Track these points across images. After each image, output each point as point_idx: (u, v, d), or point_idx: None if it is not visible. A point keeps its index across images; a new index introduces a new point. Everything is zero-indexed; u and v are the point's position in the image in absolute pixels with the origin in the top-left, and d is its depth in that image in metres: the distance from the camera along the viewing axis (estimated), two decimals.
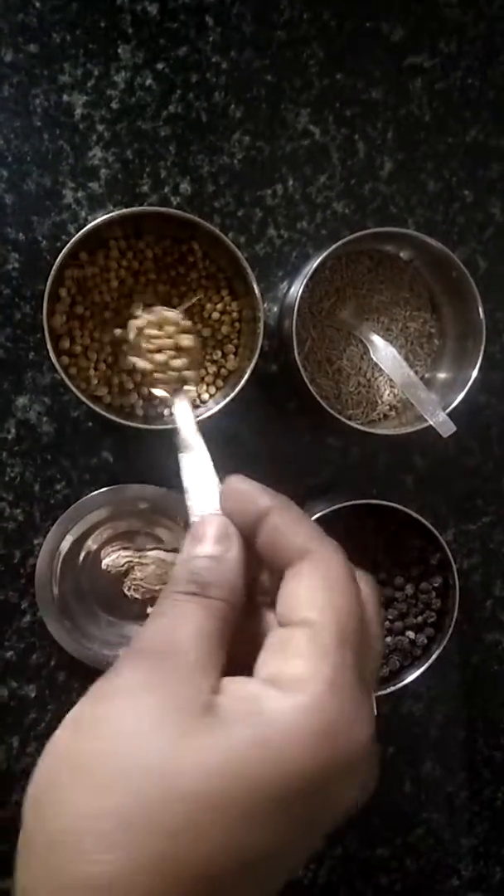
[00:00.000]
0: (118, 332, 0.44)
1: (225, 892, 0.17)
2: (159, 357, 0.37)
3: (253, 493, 0.23)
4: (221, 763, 0.17)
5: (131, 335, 0.39)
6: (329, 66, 0.51)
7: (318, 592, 0.21)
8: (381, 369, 0.50)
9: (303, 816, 0.18)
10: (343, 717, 0.18)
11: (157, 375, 0.37)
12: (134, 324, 0.39)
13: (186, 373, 0.37)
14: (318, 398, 0.46)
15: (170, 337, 0.38)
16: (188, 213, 0.50)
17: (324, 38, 0.51)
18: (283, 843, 0.17)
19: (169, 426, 0.45)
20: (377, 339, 0.49)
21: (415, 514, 0.48)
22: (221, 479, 0.25)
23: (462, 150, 0.54)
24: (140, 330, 0.39)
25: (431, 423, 0.47)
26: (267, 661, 0.20)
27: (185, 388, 0.36)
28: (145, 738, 0.17)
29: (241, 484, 0.23)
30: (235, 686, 0.19)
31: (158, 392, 0.37)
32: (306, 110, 0.51)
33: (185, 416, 0.31)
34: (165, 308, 0.39)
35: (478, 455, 0.56)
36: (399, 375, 0.48)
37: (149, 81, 0.49)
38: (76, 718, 0.19)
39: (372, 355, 0.50)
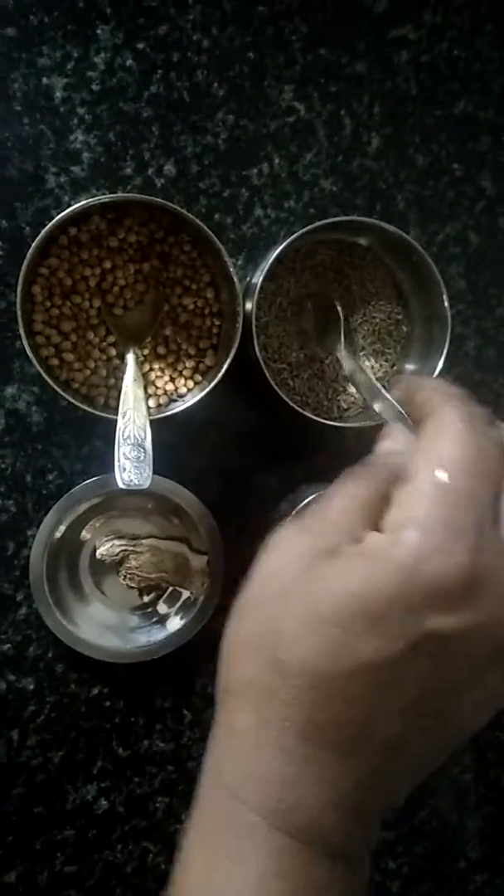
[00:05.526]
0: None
1: (342, 698, 0.22)
2: None
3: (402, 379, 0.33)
4: (329, 583, 0.22)
5: None
6: (312, 41, 0.50)
7: (422, 443, 0.24)
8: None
9: (396, 634, 0.21)
10: (430, 550, 0.21)
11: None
12: None
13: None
14: (276, 386, 0.44)
15: None
16: (173, 196, 0.49)
17: (306, 12, 0.50)
18: (385, 660, 0.21)
19: (155, 416, 0.44)
20: (344, 357, 0.47)
21: None
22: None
23: (450, 123, 0.53)
24: None
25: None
26: (388, 516, 0.23)
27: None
28: (290, 567, 0.24)
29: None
30: (369, 537, 0.23)
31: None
32: (290, 87, 0.50)
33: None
34: None
35: None
36: (368, 392, 0.44)
37: (129, 62, 0.48)
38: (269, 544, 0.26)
39: (343, 370, 0.48)
